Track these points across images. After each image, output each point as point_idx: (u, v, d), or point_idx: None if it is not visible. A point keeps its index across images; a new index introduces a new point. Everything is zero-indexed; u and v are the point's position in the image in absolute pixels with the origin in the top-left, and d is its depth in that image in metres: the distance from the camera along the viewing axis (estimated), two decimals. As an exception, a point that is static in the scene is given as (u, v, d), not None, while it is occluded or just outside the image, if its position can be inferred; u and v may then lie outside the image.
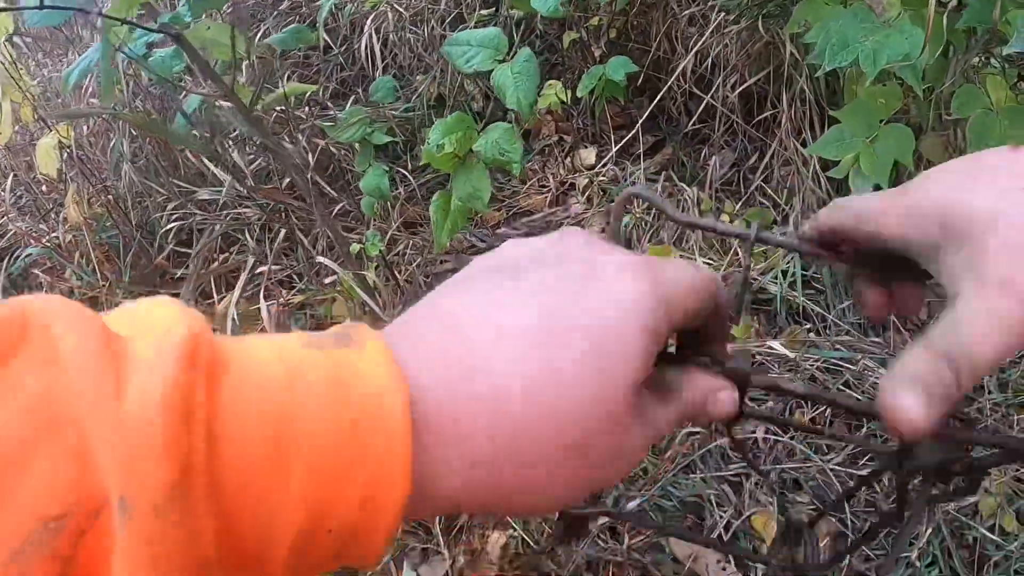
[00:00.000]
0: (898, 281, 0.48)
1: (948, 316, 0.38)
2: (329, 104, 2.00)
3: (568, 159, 1.91)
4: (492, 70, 1.38)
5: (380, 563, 0.35)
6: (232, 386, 0.29)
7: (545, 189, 1.91)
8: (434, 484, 0.32)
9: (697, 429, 1.53)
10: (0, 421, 0.25)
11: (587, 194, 1.86)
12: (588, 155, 1.92)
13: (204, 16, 1.31)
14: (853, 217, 0.45)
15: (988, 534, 1.36)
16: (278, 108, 1.68)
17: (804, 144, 1.68)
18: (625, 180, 1.83)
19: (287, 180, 1.81)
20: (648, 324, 0.34)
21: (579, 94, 1.84)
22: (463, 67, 1.38)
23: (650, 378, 0.36)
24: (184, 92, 1.31)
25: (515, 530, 1.42)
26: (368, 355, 0.32)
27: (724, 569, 1.39)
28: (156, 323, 0.30)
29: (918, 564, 1.35)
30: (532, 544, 1.41)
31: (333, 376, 0.30)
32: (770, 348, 1.61)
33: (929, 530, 1.37)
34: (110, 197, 1.76)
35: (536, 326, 0.33)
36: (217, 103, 1.30)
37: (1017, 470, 1.45)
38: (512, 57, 1.37)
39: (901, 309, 0.49)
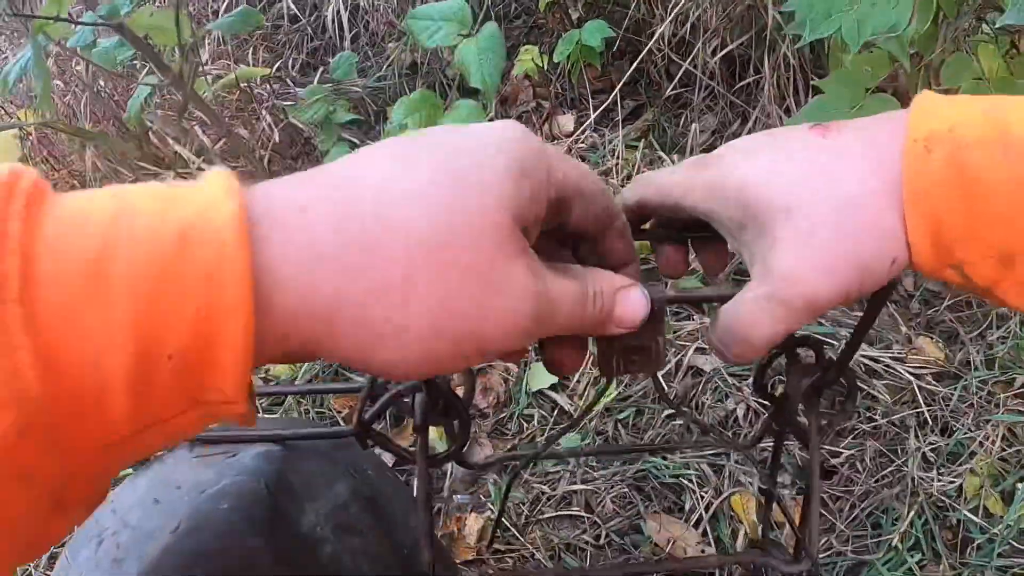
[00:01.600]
0: (699, 243, 0.51)
1: (737, 296, 0.42)
2: (296, 77, 1.93)
3: (546, 126, 1.84)
4: (456, 45, 1.31)
5: (244, 408, 0.30)
6: (56, 219, 0.27)
7: (523, 159, 1.84)
8: (274, 293, 0.29)
9: (673, 412, 1.49)
10: None
11: (566, 163, 1.79)
12: (567, 122, 1.85)
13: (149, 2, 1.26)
14: (656, 191, 0.46)
15: (972, 516, 1.33)
16: (242, 85, 1.62)
17: (788, 111, 1.61)
18: (604, 148, 1.77)
19: (266, 156, 1.76)
20: (520, 164, 0.33)
21: (556, 59, 1.76)
22: (426, 42, 1.32)
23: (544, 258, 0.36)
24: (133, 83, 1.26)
25: (492, 513, 1.41)
26: (205, 178, 0.30)
27: (703, 552, 1.38)
28: None
29: (900, 546, 1.32)
30: (510, 527, 1.40)
31: (162, 199, 0.29)
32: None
33: (912, 512, 1.35)
34: (76, 183, 1.72)
35: (401, 150, 0.33)
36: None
37: (1004, 449, 1.41)
38: (477, 31, 1.29)
39: (706, 269, 0.51)
